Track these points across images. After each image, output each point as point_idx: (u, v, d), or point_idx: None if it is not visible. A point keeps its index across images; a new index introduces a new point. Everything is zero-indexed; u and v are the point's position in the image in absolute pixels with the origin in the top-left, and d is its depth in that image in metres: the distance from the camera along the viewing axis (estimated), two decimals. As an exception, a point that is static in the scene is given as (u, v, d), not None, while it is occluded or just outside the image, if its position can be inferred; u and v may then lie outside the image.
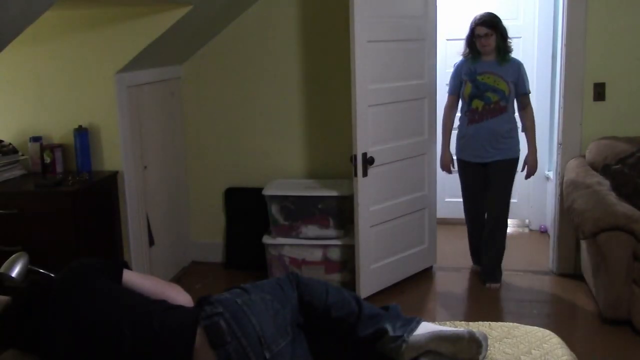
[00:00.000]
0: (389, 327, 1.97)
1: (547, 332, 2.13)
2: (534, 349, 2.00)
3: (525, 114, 3.89)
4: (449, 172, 4.12)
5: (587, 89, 3.89)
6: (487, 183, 3.88)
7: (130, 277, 2.02)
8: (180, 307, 1.92)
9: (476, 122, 3.82)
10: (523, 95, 3.85)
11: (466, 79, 3.84)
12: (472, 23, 3.81)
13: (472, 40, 3.80)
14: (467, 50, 3.86)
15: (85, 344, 1.79)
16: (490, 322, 2.18)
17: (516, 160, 3.86)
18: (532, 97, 4.84)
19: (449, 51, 4.92)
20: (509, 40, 3.79)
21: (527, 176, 3.98)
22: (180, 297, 2.04)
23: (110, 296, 1.88)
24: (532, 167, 3.91)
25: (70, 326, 1.80)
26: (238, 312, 1.81)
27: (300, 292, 2.00)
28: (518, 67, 3.80)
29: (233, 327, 1.77)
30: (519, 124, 3.91)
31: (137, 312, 1.83)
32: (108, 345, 1.78)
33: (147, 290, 1.99)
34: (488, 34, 3.73)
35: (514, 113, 3.85)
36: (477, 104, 3.80)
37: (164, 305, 1.90)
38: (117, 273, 1.99)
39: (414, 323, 2.00)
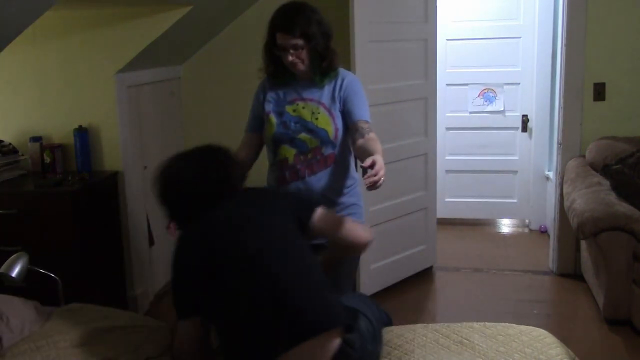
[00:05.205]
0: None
1: (542, 331, 2.12)
2: (527, 348, 2.00)
3: (365, 140, 2.29)
4: None
5: (587, 89, 3.89)
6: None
7: (321, 221, 2.01)
8: (337, 301, 1.89)
9: (287, 182, 2.41)
10: (360, 121, 2.35)
11: (270, 110, 2.44)
12: (271, 24, 2.35)
13: (274, 51, 2.36)
14: (271, 65, 2.42)
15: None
16: (485, 322, 2.18)
17: None
18: (532, 98, 4.88)
19: (449, 51, 4.94)
20: (332, 48, 2.40)
21: (370, 183, 1.97)
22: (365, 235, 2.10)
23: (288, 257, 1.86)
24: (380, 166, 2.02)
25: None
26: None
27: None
28: (348, 84, 2.41)
29: None
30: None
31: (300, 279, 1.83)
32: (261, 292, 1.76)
33: (332, 236, 2.06)
34: (298, 45, 2.30)
35: (351, 162, 2.49)
36: (287, 152, 2.41)
37: (326, 285, 1.89)
38: (308, 215, 1.99)
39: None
